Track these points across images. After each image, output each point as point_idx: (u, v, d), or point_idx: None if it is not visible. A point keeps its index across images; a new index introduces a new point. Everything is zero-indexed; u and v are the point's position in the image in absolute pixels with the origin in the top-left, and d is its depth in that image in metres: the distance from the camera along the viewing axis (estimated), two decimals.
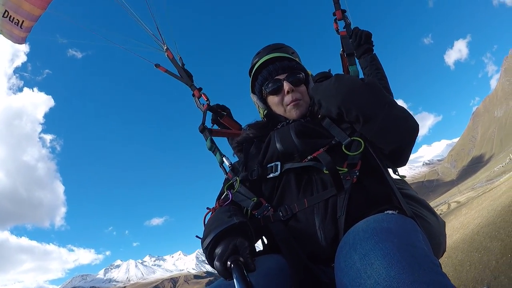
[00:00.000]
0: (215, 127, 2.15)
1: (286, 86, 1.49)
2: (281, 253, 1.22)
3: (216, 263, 1.00)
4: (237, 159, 1.70)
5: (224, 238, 1.07)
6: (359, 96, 1.27)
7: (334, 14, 1.84)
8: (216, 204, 1.38)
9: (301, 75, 1.55)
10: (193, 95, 2.14)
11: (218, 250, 1.04)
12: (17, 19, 2.41)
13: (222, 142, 2.27)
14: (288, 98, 1.50)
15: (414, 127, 1.26)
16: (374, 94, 1.27)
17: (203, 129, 1.87)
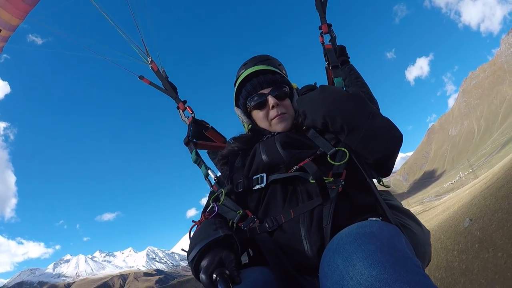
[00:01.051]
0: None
1: (271, 100, 1.51)
2: (267, 265, 1.21)
3: (202, 276, 1.00)
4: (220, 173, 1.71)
5: (210, 251, 1.07)
6: (343, 107, 1.29)
7: (320, 28, 1.88)
8: (201, 216, 1.38)
9: (285, 88, 1.56)
10: (178, 107, 2.12)
11: (203, 263, 1.05)
12: None
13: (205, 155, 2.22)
14: (273, 113, 1.52)
15: (398, 137, 1.28)
16: (358, 104, 1.30)
17: (188, 141, 1.86)
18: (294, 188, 1.29)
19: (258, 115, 1.57)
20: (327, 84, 1.93)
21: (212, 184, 1.61)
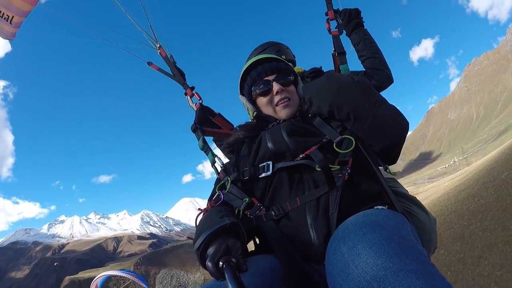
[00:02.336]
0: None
1: (275, 86, 1.50)
2: (274, 252, 1.22)
3: (208, 263, 1.01)
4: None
5: (216, 239, 1.08)
6: (350, 94, 1.29)
7: (326, 14, 1.85)
8: (208, 204, 1.38)
9: (290, 75, 1.55)
10: (186, 93, 2.11)
11: (210, 251, 1.05)
12: (6, 15, 2.41)
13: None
14: (277, 98, 1.51)
15: (404, 125, 1.28)
16: (365, 92, 1.29)
17: (195, 128, 1.85)
18: (300, 176, 1.29)
19: (262, 101, 1.55)
20: (333, 70, 1.90)
21: (219, 171, 1.61)
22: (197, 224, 1.25)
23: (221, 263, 0.98)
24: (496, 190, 7.27)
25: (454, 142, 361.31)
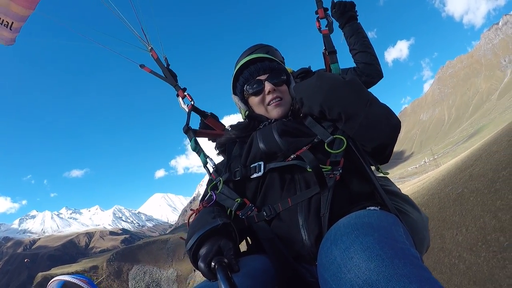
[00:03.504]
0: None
1: (267, 86, 1.50)
2: (266, 253, 1.22)
3: (200, 264, 1.01)
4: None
5: (208, 239, 1.08)
6: (341, 94, 1.27)
7: (316, 13, 1.84)
8: (200, 205, 1.39)
9: (282, 75, 1.55)
10: (177, 95, 2.11)
11: (202, 251, 1.05)
12: (6, 21, 2.44)
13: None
14: (269, 98, 1.51)
15: (396, 125, 1.26)
16: (356, 92, 1.28)
17: (187, 129, 1.85)
18: (292, 176, 1.28)
19: (254, 100, 1.55)
20: (324, 69, 1.90)
21: (211, 172, 1.61)
22: (189, 224, 1.25)
23: (213, 263, 0.97)
24: (440, 201, 7.49)
25: (425, 143, 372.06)
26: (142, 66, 2.23)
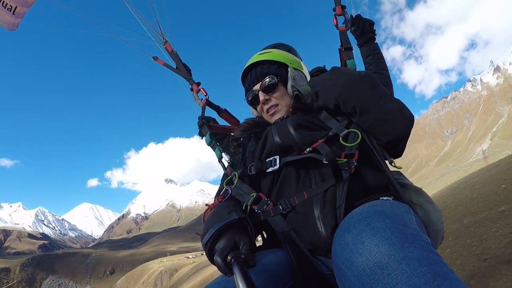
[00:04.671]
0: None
1: (260, 97, 1.63)
2: (281, 247, 1.29)
3: (217, 258, 1.05)
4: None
5: (224, 234, 1.13)
6: (356, 88, 1.38)
7: (334, 10, 1.95)
8: (215, 200, 1.45)
9: (273, 79, 1.63)
10: (192, 89, 2.22)
11: (218, 246, 1.10)
12: (10, 5, 2.51)
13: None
14: (265, 108, 1.64)
15: (409, 119, 1.35)
16: (371, 86, 1.38)
17: (202, 124, 1.97)
18: (307, 170, 1.35)
19: (258, 110, 1.70)
20: (340, 66, 2.01)
21: (226, 167, 1.71)
22: (205, 219, 1.32)
23: (229, 258, 1.02)
24: None
25: None
26: (155, 58, 2.35)
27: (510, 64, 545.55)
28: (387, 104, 1.35)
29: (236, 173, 1.50)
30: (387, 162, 1.45)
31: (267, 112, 1.65)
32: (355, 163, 1.29)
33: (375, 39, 2.09)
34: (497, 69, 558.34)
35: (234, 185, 1.47)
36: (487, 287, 3.69)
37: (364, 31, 2.04)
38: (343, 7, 1.97)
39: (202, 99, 2.16)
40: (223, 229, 1.14)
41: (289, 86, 1.63)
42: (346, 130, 1.38)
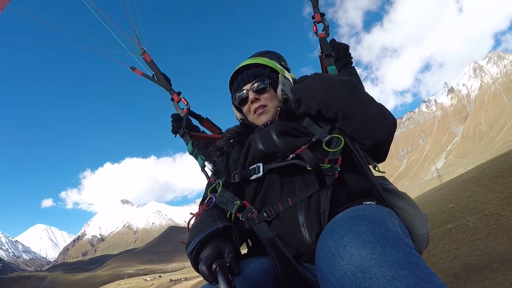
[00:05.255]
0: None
1: (250, 95, 1.66)
2: (266, 254, 1.31)
3: (202, 267, 1.08)
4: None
5: (209, 243, 1.18)
6: (337, 93, 1.41)
7: (313, 17, 1.99)
8: (200, 208, 1.49)
9: (265, 81, 1.68)
10: (172, 99, 2.25)
11: (203, 255, 1.15)
12: None
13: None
14: (253, 107, 1.67)
15: (392, 122, 1.39)
16: (352, 91, 1.43)
17: (184, 133, 2.01)
18: (291, 176, 1.39)
19: (244, 109, 1.74)
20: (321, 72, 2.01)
21: (209, 175, 1.75)
22: (190, 228, 1.37)
23: (214, 266, 1.06)
24: None
25: None
26: (133, 68, 2.37)
27: (463, 85, 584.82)
28: (369, 108, 1.39)
29: (219, 181, 1.53)
30: (370, 166, 1.49)
31: (255, 112, 1.67)
32: (339, 169, 1.33)
33: (351, 63, 2.15)
34: (451, 90, 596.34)
35: (218, 193, 1.50)
36: None
37: (339, 56, 2.10)
38: (322, 14, 2.01)
39: (183, 108, 2.21)
40: (208, 237, 1.18)
41: (279, 90, 1.69)
42: (329, 136, 1.41)
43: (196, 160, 1.89)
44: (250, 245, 1.53)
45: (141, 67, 2.37)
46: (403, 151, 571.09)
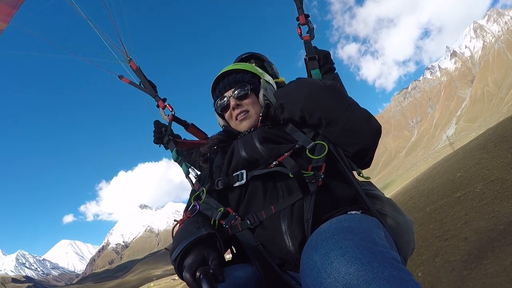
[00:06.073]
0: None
1: (231, 102, 1.66)
2: (251, 262, 1.32)
3: (186, 274, 1.09)
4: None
5: (193, 250, 1.18)
6: (321, 99, 1.41)
7: (297, 19, 1.98)
8: (183, 215, 1.49)
9: (246, 87, 1.68)
10: (158, 106, 2.28)
11: (187, 262, 1.15)
12: None
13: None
14: (234, 114, 1.67)
15: (376, 128, 1.40)
16: (336, 97, 1.42)
17: (168, 140, 2.03)
18: (274, 183, 1.39)
19: (226, 116, 1.74)
20: (306, 76, 2.01)
21: (193, 182, 1.74)
22: (174, 235, 1.37)
23: (198, 273, 1.07)
24: None
25: None
26: (120, 77, 2.41)
27: (466, 47, 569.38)
28: (354, 114, 1.38)
29: (203, 188, 1.53)
30: (355, 173, 1.49)
31: (236, 118, 1.67)
32: (322, 176, 1.32)
33: (334, 69, 2.12)
34: (453, 54, 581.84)
35: (202, 200, 1.50)
36: (448, 262, 4.60)
37: (320, 64, 2.05)
38: (307, 16, 2.00)
39: (168, 114, 2.23)
40: (192, 244, 1.19)
41: (260, 95, 1.68)
42: (313, 142, 1.40)
43: (181, 167, 1.89)
44: (235, 252, 1.53)
45: (128, 74, 2.39)
46: (412, 122, 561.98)
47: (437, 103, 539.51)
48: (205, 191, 1.52)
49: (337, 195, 1.35)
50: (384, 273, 0.81)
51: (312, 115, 1.41)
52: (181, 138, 2.27)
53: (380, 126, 1.42)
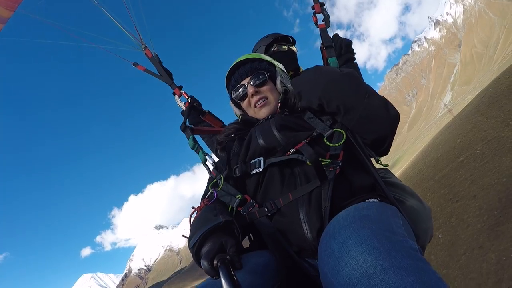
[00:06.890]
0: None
1: (249, 89, 1.68)
2: (268, 249, 1.32)
3: (203, 262, 1.09)
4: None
5: (211, 237, 1.17)
6: (339, 87, 1.41)
7: (312, 8, 1.99)
8: (201, 203, 1.48)
9: (263, 74, 1.70)
10: (174, 93, 2.30)
11: (204, 249, 1.14)
12: None
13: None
14: (253, 101, 1.68)
15: (394, 116, 1.38)
16: (354, 84, 1.41)
17: (184, 127, 2.04)
18: (291, 171, 1.39)
19: (244, 105, 1.75)
20: (322, 64, 2.03)
21: (211, 170, 1.78)
22: (191, 222, 1.36)
23: (215, 261, 1.06)
24: None
25: None
26: (135, 64, 2.39)
27: (447, 14, 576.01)
28: (371, 101, 1.36)
29: (221, 175, 1.53)
30: (373, 160, 1.49)
31: (255, 105, 1.68)
32: (340, 164, 1.31)
33: (354, 59, 2.12)
34: (437, 22, 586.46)
35: (219, 187, 1.49)
36: (463, 220, 4.93)
37: (341, 52, 2.06)
38: (322, 4, 1.99)
39: (184, 102, 2.25)
40: (210, 232, 1.18)
41: (278, 82, 1.70)
42: (331, 130, 1.40)
43: (198, 154, 1.91)
44: (252, 239, 1.53)
45: (144, 63, 2.37)
46: (409, 96, 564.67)
47: (430, 73, 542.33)
48: (222, 178, 1.52)
49: (355, 182, 1.34)
50: (401, 262, 0.81)
51: (330, 103, 1.41)
52: (210, 114, 2.27)
53: (398, 113, 1.41)
